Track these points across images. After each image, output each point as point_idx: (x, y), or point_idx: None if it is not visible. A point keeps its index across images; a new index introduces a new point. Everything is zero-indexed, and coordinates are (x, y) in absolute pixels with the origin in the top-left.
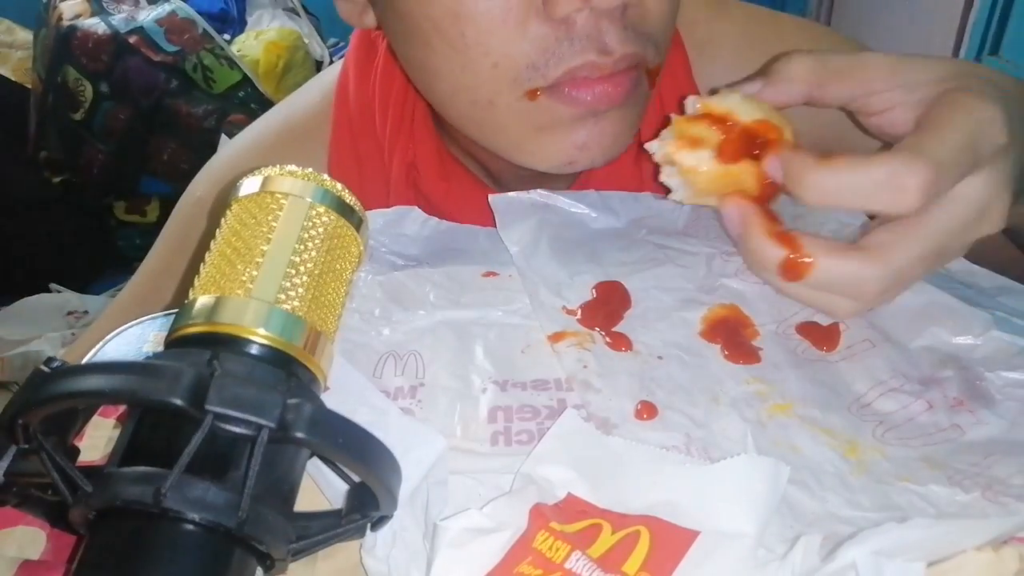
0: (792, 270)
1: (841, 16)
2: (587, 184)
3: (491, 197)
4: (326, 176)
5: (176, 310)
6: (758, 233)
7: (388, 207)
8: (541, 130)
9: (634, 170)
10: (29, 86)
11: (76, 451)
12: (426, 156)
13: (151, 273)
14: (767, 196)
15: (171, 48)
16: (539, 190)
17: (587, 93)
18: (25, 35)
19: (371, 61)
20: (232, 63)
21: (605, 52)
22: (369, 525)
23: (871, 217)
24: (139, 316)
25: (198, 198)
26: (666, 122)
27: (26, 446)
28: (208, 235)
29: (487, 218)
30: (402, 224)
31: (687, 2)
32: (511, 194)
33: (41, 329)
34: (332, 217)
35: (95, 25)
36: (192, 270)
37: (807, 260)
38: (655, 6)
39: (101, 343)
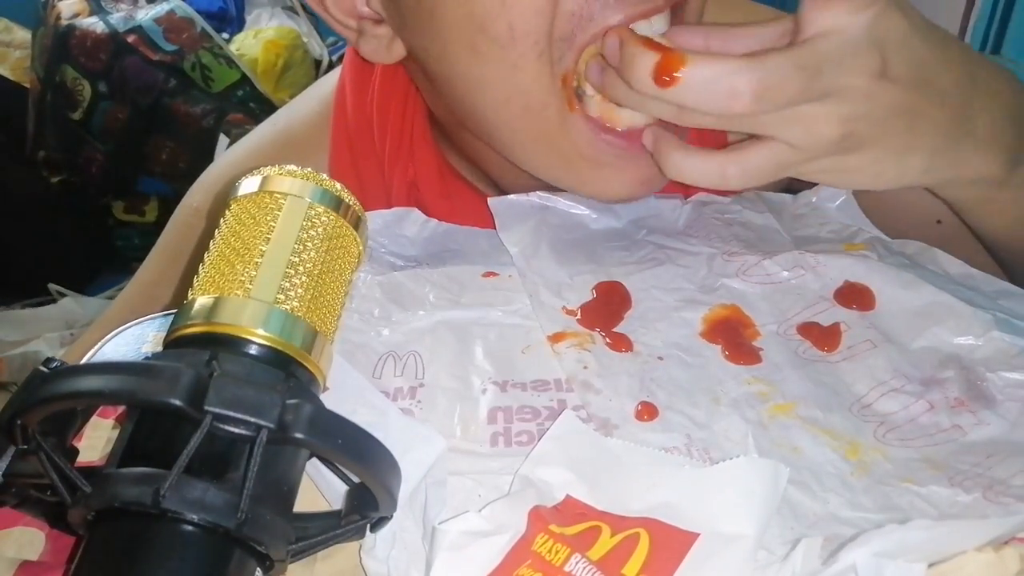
0: (665, 67)
1: None
2: None
3: (490, 200)
4: (325, 176)
5: (175, 310)
6: (635, 43)
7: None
8: (600, 166)
9: None
10: (27, 85)
11: (75, 452)
12: (427, 175)
13: (146, 282)
14: None
15: (170, 47)
16: (539, 192)
17: (611, 135)
18: (23, 34)
19: (368, 76)
20: (231, 62)
21: None
22: (368, 526)
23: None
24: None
25: (194, 208)
26: None
27: (25, 447)
28: (205, 241)
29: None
30: (401, 225)
31: None
32: (510, 196)
33: (40, 330)
34: (331, 217)
35: (93, 24)
36: (188, 279)
37: (678, 55)
38: None
39: (100, 343)
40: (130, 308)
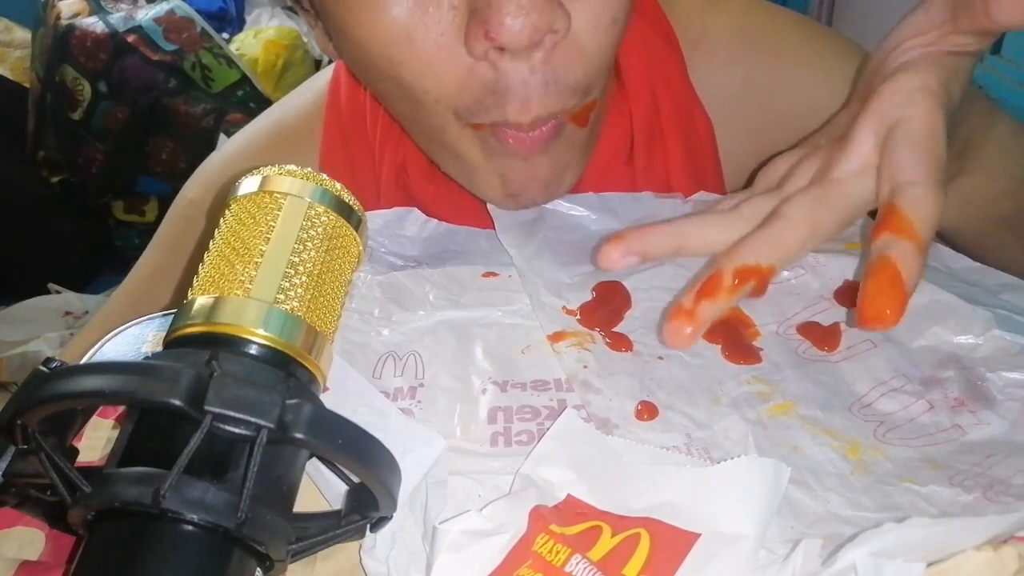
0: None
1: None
2: (578, 187)
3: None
4: (325, 176)
5: (175, 310)
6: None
7: (379, 208)
8: (490, 157)
9: (626, 171)
10: (27, 85)
11: (75, 452)
12: (416, 159)
13: (144, 275)
14: None
15: (169, 47)
16: None
17: (512, 138)
18: (23, 34)
19: None
20: (231, 62)
21: (524, 110)
22: (368, 526)
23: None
24: (132, 317)
25: (190, 200)
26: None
27: (25, 447)
28: (202, 236)
29: (476, 221)
30: (401, 225)
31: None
32: None
33: (39, 330)
34: (331, 217)
35: (93, 24)
36: (185, 271)
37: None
38: (590, 41)
39: (100, 343)
40: (128, 301)
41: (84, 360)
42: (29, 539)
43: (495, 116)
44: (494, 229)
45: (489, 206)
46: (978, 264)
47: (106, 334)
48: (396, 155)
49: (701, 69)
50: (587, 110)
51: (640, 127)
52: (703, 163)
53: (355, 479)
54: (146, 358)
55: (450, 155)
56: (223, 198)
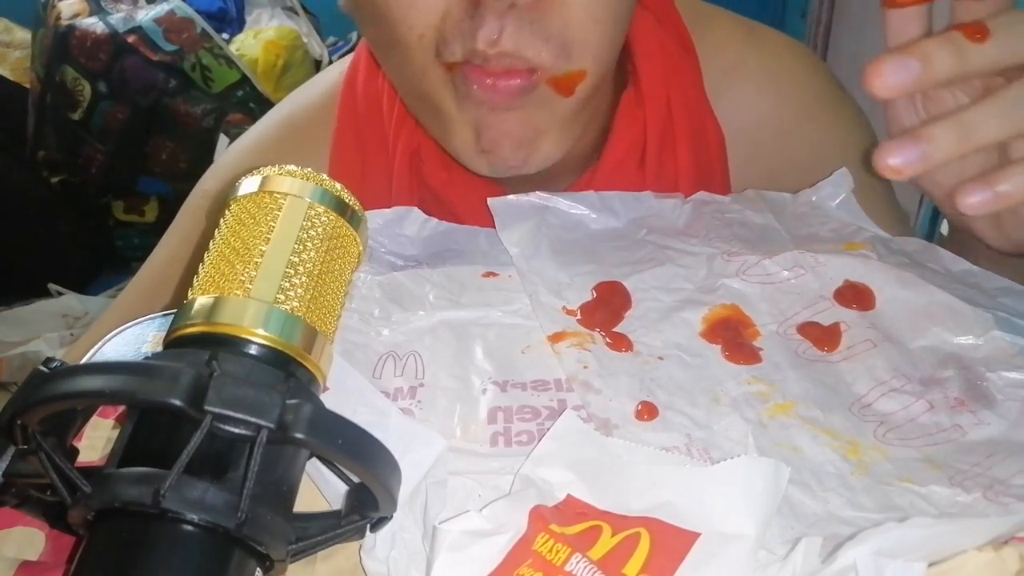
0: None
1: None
2: (589, 186)
3: (490, 200)
4: (325, 176)
5: (175, 310)
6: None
7: (390, 195)
8: (461, 108)
9: (637, 174)
10: (27, 86)
11: (75, 452)
12: (430, 145)
13: (158, 265)
14: None
15: (169, 47)
16: (538, 192)
17: (477, 82)
18: (23, 34)
19: None
20: (231, 62)
21: (493, 41)
22: (368, 526)
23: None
24: (147, 307)
25: (205, 191)
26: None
27: (25, 447)
28: (211, 232)
29: (486, 207)
30: (401, 225)
31: (720, 21)
32: (510, 197)
33: (39, 330)
34: (331, 217)
35: (93, 24)
36: (198, 261)
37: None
38: (575, 8)
39: (100, 343)
40: (143, 291)
41: (84, 360)
42: (29, 539)
43: (466, 43)
44: (495, 227)
45: (490, 201)
46: (977, 268)
47: (120, 324)
48: (411, 141)
49: (730, 97)
50: (572, 79)
51: (653, 132)
52: (712, 173)
53: (355, 479)
54: (146, 358)
55: (430, 108)
56: (224, 198)
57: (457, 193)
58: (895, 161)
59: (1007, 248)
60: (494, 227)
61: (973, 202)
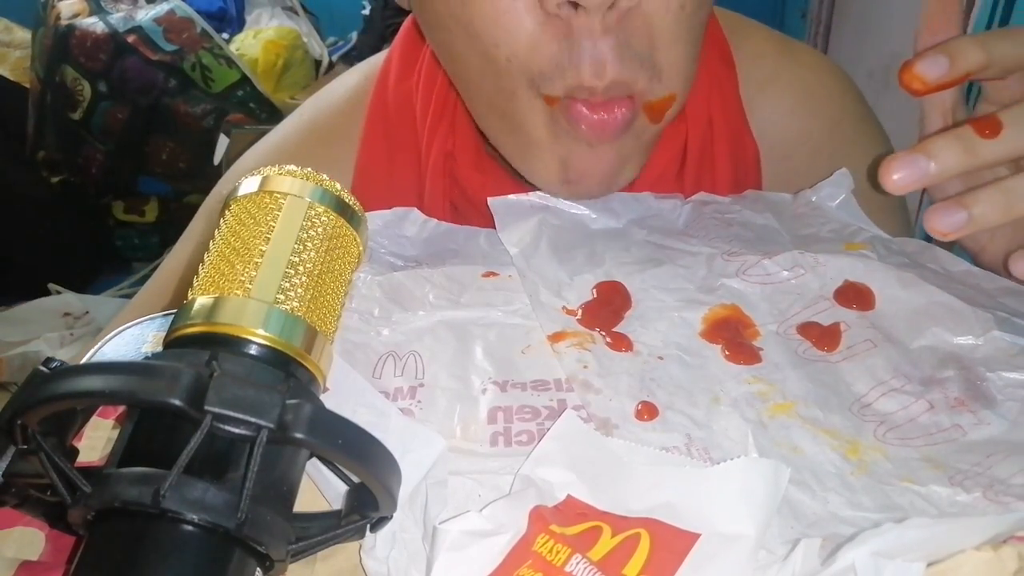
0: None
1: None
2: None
3: (490, 200)
4: (325, 176)
5: (175, 310)
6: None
7: (422, 197)
8: (555, 138)
9: (675, 186)
10: (27, 85)
11: (75, 452)
12: (465, 148)
13: (174, 267)
14: None
15: (169, 47)
16: (538, 192)
17: (583, 120)
18: (23, 34)
19: (418, 50)
20: (231, 62)
21: (598, 72)
22: (368, 526)
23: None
24: (162, 309)
25: (221, 195)
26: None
27: (25, 447)
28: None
29: None
30: (401, 225)
31: (755, 33)
32: (510, 196)
33: (40, 330)
34: (331, 217)
35: (93, 24)
36: None
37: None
38: (660, 20)
39: (100, 343)
40: (159, 292)
41: (84, 360)
42: (29, 539)
43: (569, 79)
44: (495, 227)
45: (489, 201)
46: (977, 268)
47: None
48: (446, 142)
49: (765, 109)
50: (664, 103)
51: (694, 145)
52: (746, 187)
53: (355, 479)
54: (146, 358)
55: (512, 128)
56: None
57: (491, 194)
58: (940, 226)
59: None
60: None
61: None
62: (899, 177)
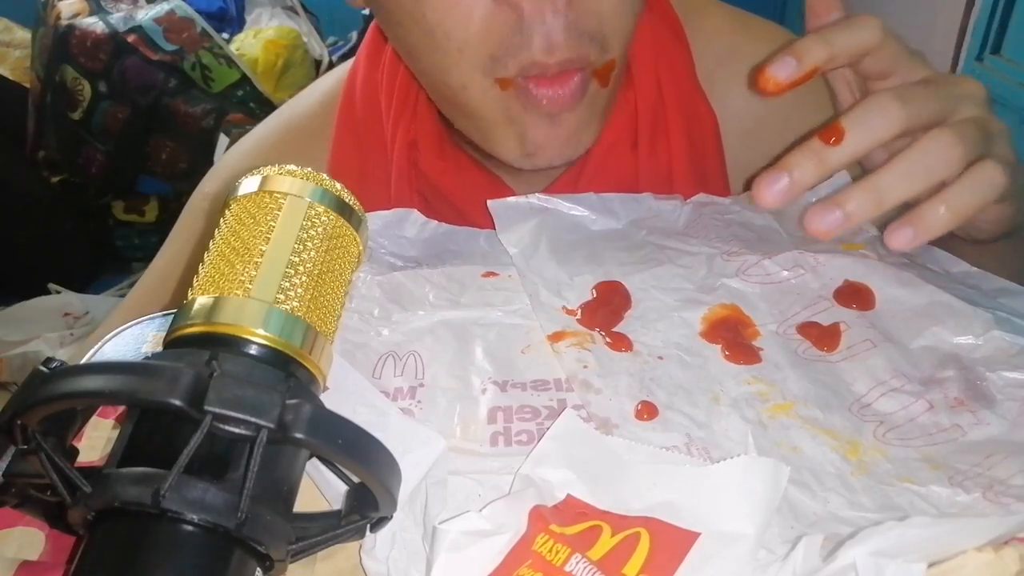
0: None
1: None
2: (583, 169)
3: (490, 202)
4: (325, 176)
5: (175, 310)
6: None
7: (389, 191)
8: (510, 120)
9: (630, 157)
10: (27, 85)
11: (75, 452)
12: (427, 135)
13: (161, 267)
14: None
15: (169, 47)
16: (538, 194)
17: (542, 96)
18: (23, 34)
19: (381, 51)
20: (231, 62)
21: (549, 50)
22: (368, 526)
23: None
24: (150, 309)
25: (205, 193)
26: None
27: (25, 447)
28: (211, 232)
29: (482, 196)
30: (401, 226)
31: (713, 11)
32: (510, 199)
33: (40, 330)
34: (331, 217)
35: (93, 24)
36: (199, 262)
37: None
38: (605, 2)
39: (100, 343)
40: (147, 293)
41: (84, 360)
42: (29, 539)
43: (522, 57)
44: (494, 227)
45: (489, 203)
46: (976, 269)
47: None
48: (408, 132)
49: (724, 83)
50: (607, 68)
51: (644, 116)
52: (706, 157)
53: (355, 479)
54: (146, 358)
55: (467, 114)
56: (224, 198)
57: (453, 181)
58: (819, 227)
59: (983, 238)
60: (491, 219)
61: (900, 244)
62: (764, 195)
